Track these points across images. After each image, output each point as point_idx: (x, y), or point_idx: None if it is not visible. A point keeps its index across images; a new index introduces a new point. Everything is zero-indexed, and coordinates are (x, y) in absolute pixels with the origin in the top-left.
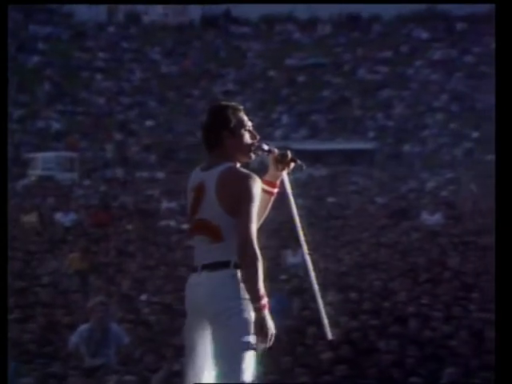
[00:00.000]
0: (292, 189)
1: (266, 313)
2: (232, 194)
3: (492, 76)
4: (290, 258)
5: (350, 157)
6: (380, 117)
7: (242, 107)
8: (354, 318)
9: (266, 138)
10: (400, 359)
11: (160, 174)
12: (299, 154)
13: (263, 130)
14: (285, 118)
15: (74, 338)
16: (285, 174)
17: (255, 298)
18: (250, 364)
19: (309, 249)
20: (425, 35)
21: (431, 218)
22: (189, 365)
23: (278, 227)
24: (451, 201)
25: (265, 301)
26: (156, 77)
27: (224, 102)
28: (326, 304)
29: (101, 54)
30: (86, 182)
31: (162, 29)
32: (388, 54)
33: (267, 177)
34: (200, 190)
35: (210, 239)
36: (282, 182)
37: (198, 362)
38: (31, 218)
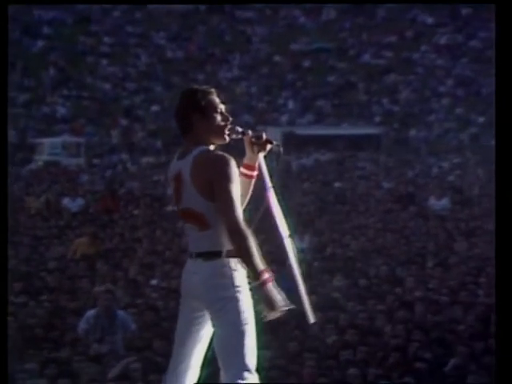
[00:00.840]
0: (287, 174)
1: (270, 287)
2: (206, 179)
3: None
4: (297, 243)
5: (356, 142)
6: (386, 102)
7: (213, 90)
8: (361, 303)
9: (272, 123)
10: (406, 344)
11: (166, 160)
12: (305, 139)
13: (269, 116)
14: (290, 104)
15: (82, 324)
16: (261, 156)
17: (255, 277)
18: (251, 349)
19: (290, 231)
20: (430, 20)
21: (438, 203)
22: (179, 346)
23: (284, 213)
24: (458, 186)
25: (266, 276)
26: (161, 62)
27: (194, 86)
28: (332, 289)
29: (106, 39)
30: (92, 168)
31: (166, 13)
32: (393, 38)
33: (246, 160)
34: (178, 179)
35: (197, 227)
36: (260, 164)
37: (188, 344)
38: (39, 204)
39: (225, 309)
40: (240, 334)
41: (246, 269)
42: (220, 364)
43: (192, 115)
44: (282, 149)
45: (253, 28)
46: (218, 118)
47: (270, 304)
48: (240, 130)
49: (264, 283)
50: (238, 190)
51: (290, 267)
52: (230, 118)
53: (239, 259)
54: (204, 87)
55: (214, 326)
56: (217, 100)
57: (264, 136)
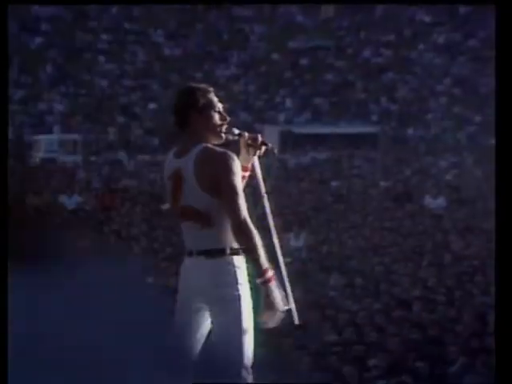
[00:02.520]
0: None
1: (272, 286)
2: (211, 176)
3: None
4: (293, 242)
5: (354, 140)
6: (383, 100)
7: (211, 89)
8: (357, 302)
9: (269, 121)
10: (403, 342)
11: (163, 158)
12: (302, 138)
13: (266, 114)
14: (288, 102)
15: None
16: (256, 158)
17: (258, 274)
18: (249, 347)
19: (278, 232)
20: (428, 19)
21: (434, 202)
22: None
23: (281, 211)
24: (454, 185)
25: (269, 274)
26: (159, 59)
27: (193, 84)
28: (328, 287)
29: (103, 36)
30: (89, 165)
31: (164, 10)
32: (391, 37)
33: (240, 161)
34: (178, 177)
35: (199, 225)
36: (253, 166)
37: (186, 343)
38: (38, 201)
39: (227, 307)
40: (241, 332)
41: (251, 265)
42: (217, 356)
43: (190, 114)
44: (276, 151)
45: (251, 26)
46: (216, 116)
47: (270, 304)
48: (237, 131)
49: (267, 281)
50: (241, 184)
51: (279, 268)
52: (228, 118)
53: (244, 255)
54: (202, 85)
55: (213, 322)
56: (215, 99)
57: (260, 138)
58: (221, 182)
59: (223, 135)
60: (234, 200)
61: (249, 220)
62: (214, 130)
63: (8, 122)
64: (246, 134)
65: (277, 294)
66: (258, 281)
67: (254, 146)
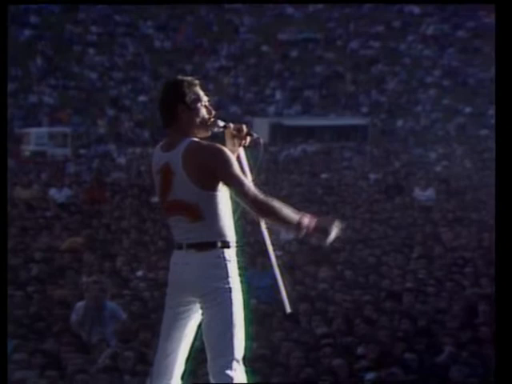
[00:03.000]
0: (252, 162)
1: (315, 224)
2: (202, 168)
3: (484, 51)
4: (283, 234)
5: (344, 132)
6: (373, 92)
7: (197, 82)
8: (347, 294)
9: (259, 114)
10: (393, 334)
11: (153, 150)
12: (292, 130)
13: (256, 106)
14: (278, 94)
15: (73, 316)
16: (241, 149)
17: (297, 230)
18: (240, 340)
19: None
20: (417, 10)
21: (423, 194)
22: (165, 339)
23: None
24: (444, 176)
25: (306, 221)
26: (149, 51)
27: (180, 77)
28: (318, 280)
29: (93, 28)
30: (79, 158)
31: (154, 3)
32: (380, 28)
33: None
34: (167, 171)
35: (188, 218)
36: (239, 157)
37: (174, 338)
38: (28, 194)
39: (218, 300)
40: (231, 325)
41: (288, 230)
42: (208, 353)
43: (177, 107)
44: (262, 140)
45: (240, 18)
46: (203, 110)
47: (324, 233)
48: (222, 123)
49: (309, 227)
50: (239, 169)
51: (269, 259)
52: (214, 112)
53: (278, 226)
54: (189, 78)
55: (204, 315)
56: (201, 92)
57: (245, 129)
58: (219, 174)
59: (209, 130)
60: (238, 186)
61: (260, 195)
62: (201, 123)
63: (6, 119)
64: (231, 125)
65: (323, 222)
66: (301, 235)
67: (239, 136)
